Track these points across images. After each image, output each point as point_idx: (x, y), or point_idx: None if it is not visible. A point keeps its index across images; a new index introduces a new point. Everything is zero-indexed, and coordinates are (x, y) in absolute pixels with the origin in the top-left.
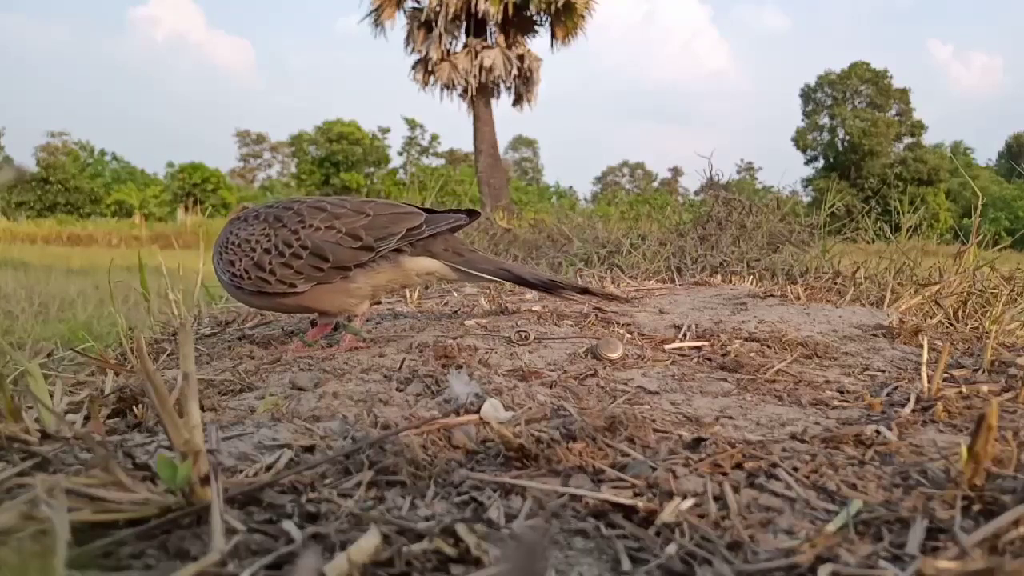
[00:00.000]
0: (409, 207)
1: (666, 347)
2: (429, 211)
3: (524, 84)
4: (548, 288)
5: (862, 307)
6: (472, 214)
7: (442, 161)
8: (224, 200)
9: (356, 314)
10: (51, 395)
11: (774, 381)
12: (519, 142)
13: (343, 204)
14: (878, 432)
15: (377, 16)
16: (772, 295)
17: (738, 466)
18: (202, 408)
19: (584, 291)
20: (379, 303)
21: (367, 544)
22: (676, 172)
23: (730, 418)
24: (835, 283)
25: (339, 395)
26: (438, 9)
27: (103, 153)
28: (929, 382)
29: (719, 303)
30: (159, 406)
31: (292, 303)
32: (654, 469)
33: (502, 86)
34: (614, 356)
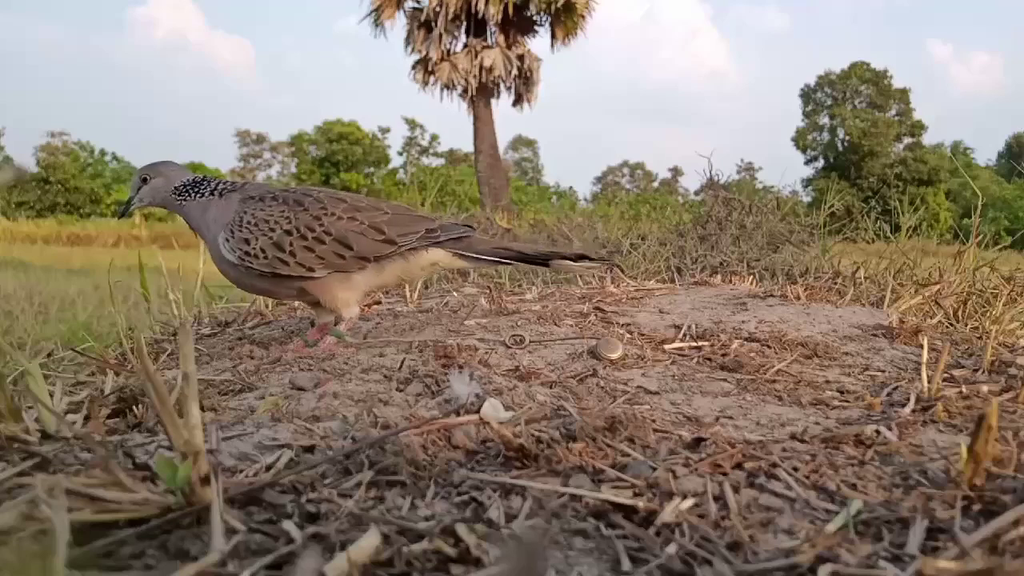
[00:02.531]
0: (420, 212)
1: (666, 347)
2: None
3: (524, 84)
4: (545, 258)
5: (862, 307)
6: (470, 230)
7: (442, 161)
8: None
9: (349, 312)
10: (51, 395)
11: (774, 381)
12: (519, 142)
13: (361, 200)
14: (878, 432)
15: (377, 16)
16: (772, 295)
17: (738, 466)
18: (202, 408)
19: (581, 257)
20: (379, 303)
21: (367, 544)
22: (676, 172)
23: (730, 418)
24: (835, 283)
25: (339, 395)
26: (438, 9)
27: (103, 153)
28: (929, 382)
29: (719, 303)
30: (159, 406)
31: (294, 289)
32: (654, 469)
33: (502, 86)
34: (614, 356)
